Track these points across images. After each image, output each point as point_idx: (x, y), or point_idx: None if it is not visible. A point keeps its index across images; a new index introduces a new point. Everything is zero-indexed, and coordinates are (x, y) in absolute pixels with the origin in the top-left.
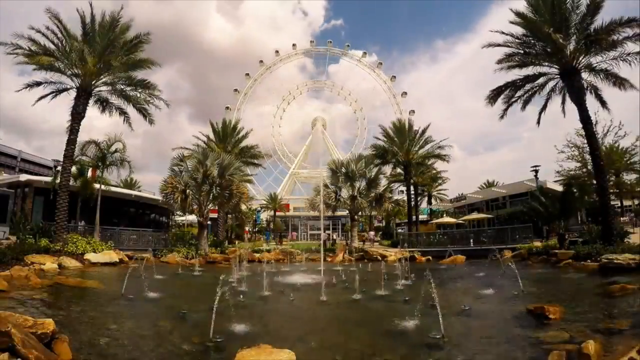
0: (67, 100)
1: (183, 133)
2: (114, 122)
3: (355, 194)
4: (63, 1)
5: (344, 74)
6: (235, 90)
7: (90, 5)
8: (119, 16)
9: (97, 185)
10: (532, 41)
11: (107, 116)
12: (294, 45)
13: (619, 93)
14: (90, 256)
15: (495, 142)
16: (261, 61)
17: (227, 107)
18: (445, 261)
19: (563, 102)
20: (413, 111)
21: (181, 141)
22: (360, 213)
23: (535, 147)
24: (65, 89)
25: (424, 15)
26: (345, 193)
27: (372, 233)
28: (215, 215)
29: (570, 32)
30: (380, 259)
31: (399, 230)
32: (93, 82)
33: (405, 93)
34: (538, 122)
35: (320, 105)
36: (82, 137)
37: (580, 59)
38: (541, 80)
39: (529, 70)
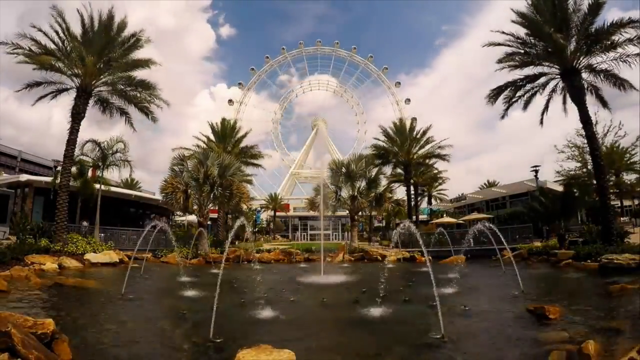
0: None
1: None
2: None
3: (356, 194)
4: (60, 1)
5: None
6: (240, 83)
7: (89, 5)
8: (112, 14)
9: (97, 186)
10: (533, 41)
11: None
12: (283, 48)
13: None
14: (90, 256)
15: (471, 152)
16: (267, 57)
17: (230, 101)
18: (445, 261)
19: (564, 102)
20: (409, 100)
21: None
22: (360, 213)
23: (513, 153)
24: (65, 89)
25: (386, 58)
26: (345, 193)
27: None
28: (215, 215)
29: (571, 33)
30: (380, 259)
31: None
32: (93, 82)
33: (399, 83)
34: (541, 123)
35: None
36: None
37: (581, 59)
38: (542, 80)
39: (529, 71)
